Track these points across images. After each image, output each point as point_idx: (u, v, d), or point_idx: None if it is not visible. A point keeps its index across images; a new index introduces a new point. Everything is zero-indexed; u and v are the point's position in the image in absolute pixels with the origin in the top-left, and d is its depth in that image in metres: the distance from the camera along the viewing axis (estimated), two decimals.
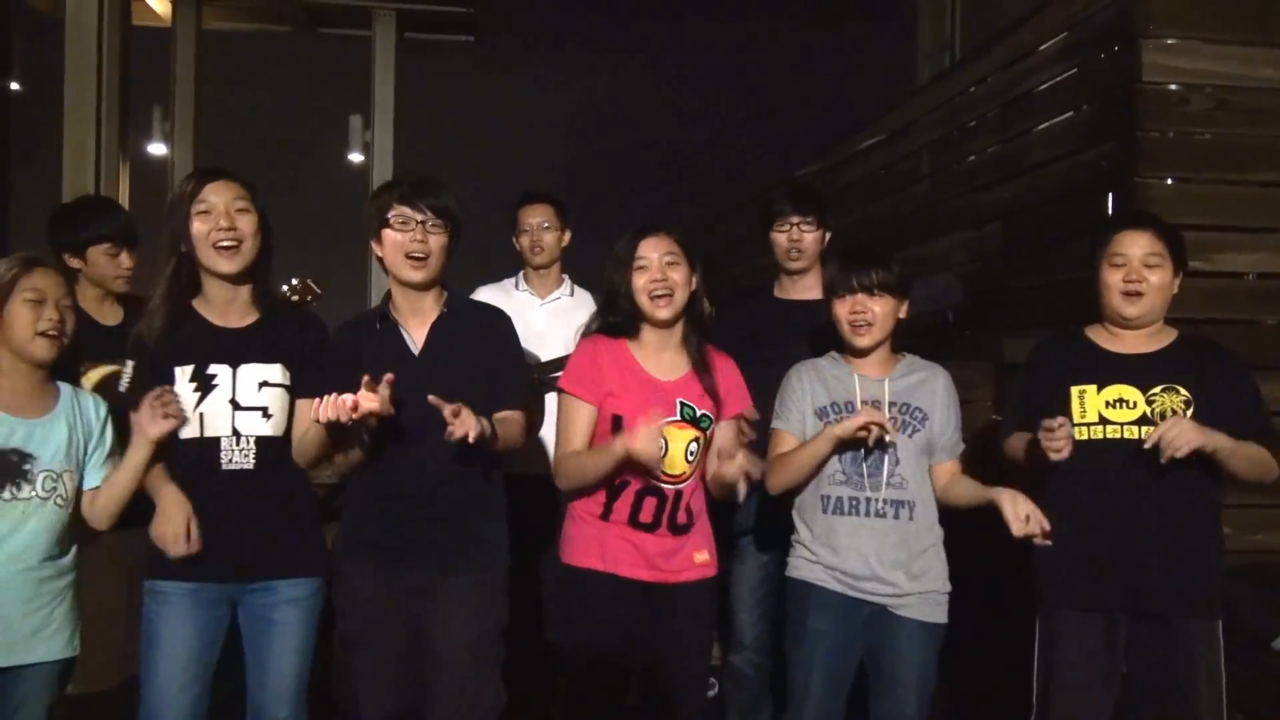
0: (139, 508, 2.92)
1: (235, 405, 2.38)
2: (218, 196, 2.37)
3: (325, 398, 2.21)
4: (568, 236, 3.63)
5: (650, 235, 2.56)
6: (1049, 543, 2.37)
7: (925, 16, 7.82)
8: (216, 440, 2.37)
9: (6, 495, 2.26)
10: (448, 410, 2.22)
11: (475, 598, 2.46)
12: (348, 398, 2.20)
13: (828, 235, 3.23)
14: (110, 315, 2.97)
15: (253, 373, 2.40)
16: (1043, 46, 4.29)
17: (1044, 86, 4.26)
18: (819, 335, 2.83)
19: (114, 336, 2.89)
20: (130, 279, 2.98)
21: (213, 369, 2.38)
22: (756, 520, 3.10)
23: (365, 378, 2.24)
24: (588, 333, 2.64)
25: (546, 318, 3.54)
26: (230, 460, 2.37)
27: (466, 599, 2.45)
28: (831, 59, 10.80)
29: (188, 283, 2.43)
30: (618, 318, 2.58)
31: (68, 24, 6.35)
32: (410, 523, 2.44)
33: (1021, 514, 2.34)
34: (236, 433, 2.37)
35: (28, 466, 2.28)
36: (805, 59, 10.97)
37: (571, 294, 3.61)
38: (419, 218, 2.44)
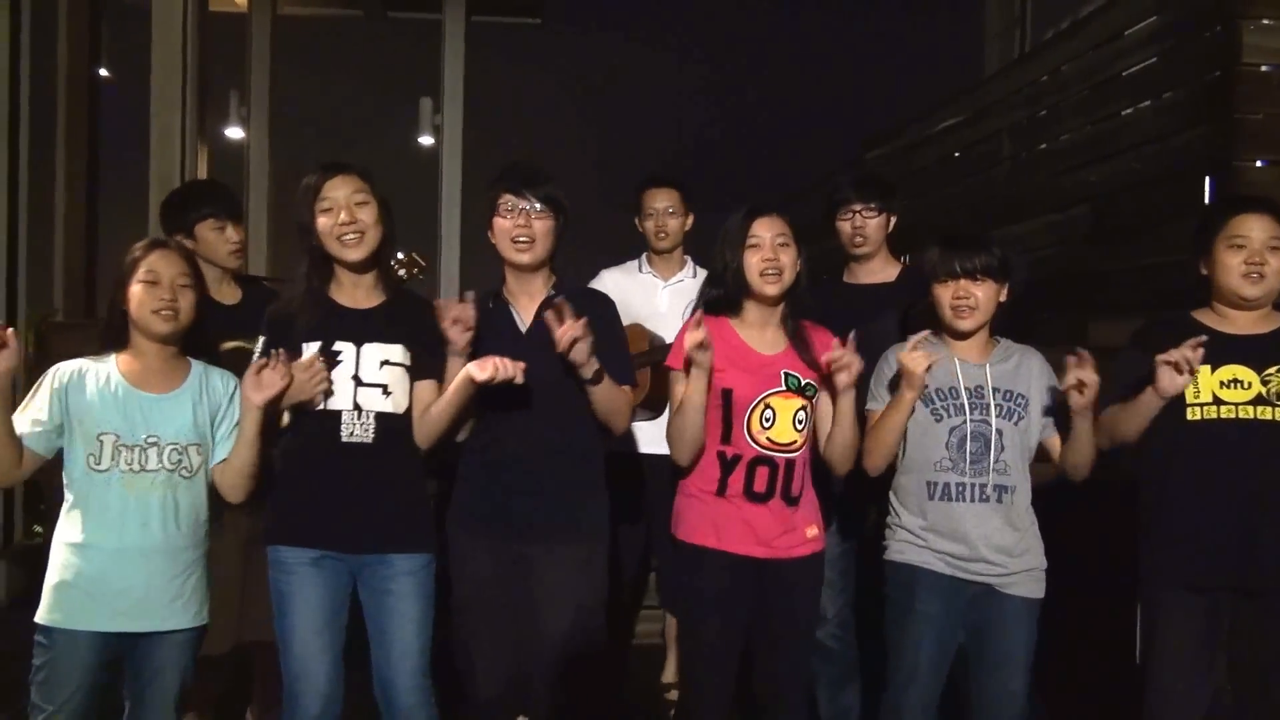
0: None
1: (358, 381, 2.48)
2: (338, 191, 2.48)
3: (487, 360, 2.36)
4: (690, 220, 3.67)
5: (763, 215, 2.63)
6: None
7: None
8: (338, 414, 2.47)
9: (135, 467, 2.37)
10: (565, 323, 2.37)
11: (577, 569, 2.56)
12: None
13: (893, 220, 3.26)
14: (229, 295, 3.07)
15: (375, 351, 2.50)
16: (1133, 28, 4.25)
17: (1134, 69, 4.22)
18: (913, 319, 2.85)
19: (234, 315, 2.99)
20: (240, 252, 3.08)
21: (338, 345, 2.49)
22: (840, 497, 3.14)
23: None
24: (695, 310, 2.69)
25: (670, 299, 3.62)
26: (351, 434, 2.47)
27: (569, 570, 2.55)
28: (899, 39, 10.71)
29: (323, 272, 2.55)
30: (722, 292, 2.64)
31: (154, 11, 6.49)
32: (516, 496, 2.54)
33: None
34: (358, 407, 2.47)
35: (153, 441, 2.39)
36: (874, 39, 10.88)
37: (694, 275, 3.65)
38: (524, 205, 2.56)
